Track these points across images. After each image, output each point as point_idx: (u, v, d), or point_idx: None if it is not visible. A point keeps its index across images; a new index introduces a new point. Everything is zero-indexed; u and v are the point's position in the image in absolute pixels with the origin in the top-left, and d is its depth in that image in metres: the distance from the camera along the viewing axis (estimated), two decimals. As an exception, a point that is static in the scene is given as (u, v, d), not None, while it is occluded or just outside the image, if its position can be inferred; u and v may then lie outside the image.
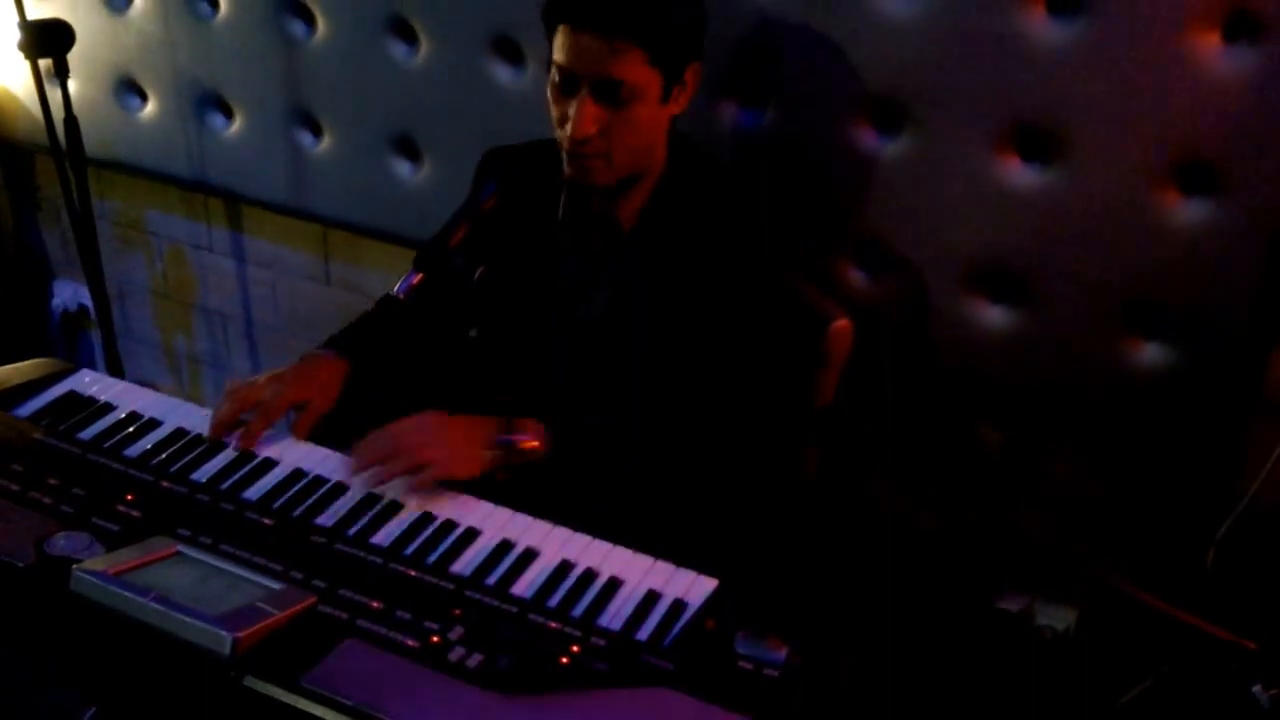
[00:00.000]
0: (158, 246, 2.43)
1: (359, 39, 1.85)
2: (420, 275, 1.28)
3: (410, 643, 0.94)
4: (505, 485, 1.25)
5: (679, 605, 1.05)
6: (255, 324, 2.38)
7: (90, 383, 1.33)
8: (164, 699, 0.91)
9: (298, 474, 1.21)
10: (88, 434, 1.23)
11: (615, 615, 1.04)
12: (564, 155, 1.31)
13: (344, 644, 0.93)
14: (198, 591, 0.95)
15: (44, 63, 1.83)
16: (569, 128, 1.25)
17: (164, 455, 1.21)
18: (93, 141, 1.97)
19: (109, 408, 1.29)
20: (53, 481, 1.11)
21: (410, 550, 1.10)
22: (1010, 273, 1.53)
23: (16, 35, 1.80)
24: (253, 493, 1.17)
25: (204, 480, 1.17)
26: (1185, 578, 1.46)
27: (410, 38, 1.82)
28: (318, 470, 1.22)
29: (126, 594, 0.91)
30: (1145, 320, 1.47)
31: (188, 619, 0.90)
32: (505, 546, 1.12)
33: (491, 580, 1.07)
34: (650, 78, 1.24)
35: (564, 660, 0.95)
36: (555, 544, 1.13)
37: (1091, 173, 1.42)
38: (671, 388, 1.37)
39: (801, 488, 1.50)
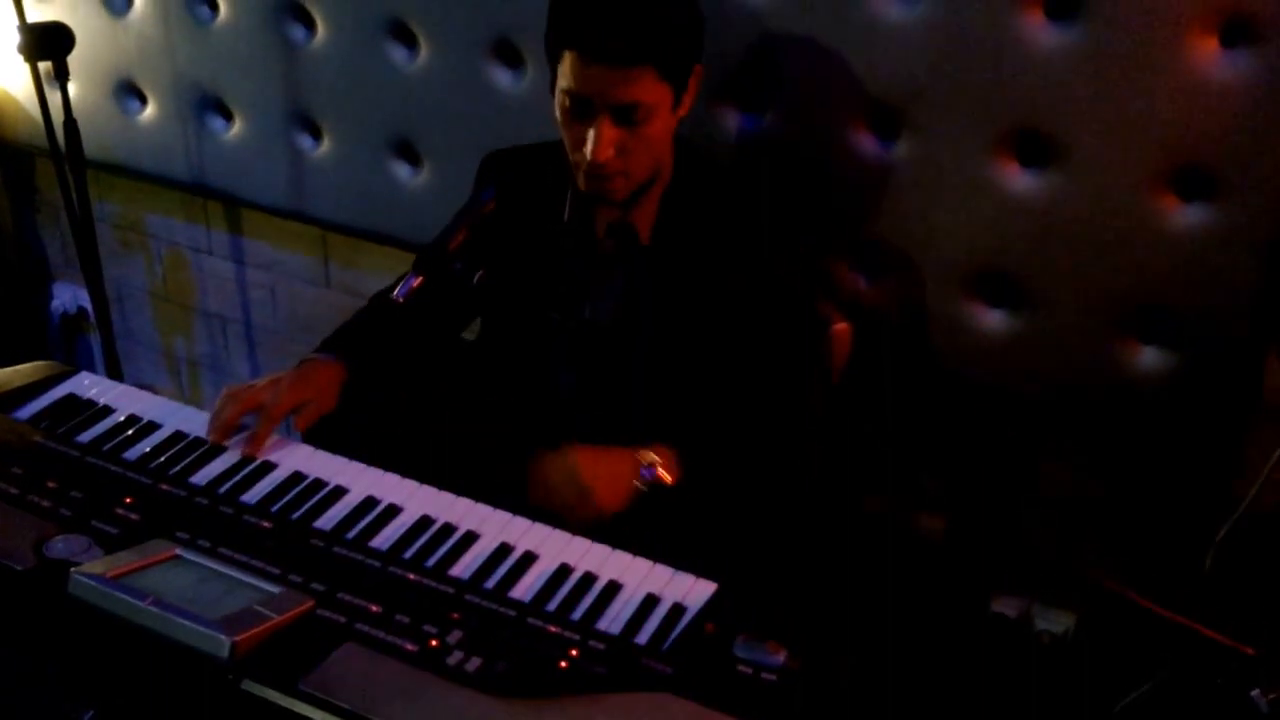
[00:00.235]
0: (157, 249, 2.43)
1: (359, 42, 1.85)
2: (420, 278, 1.28)
3: (409, 646, 0.94)
4: (506, 486, 1.25)
5: (678, 609, 1.05)
6: (254, 327, 2.38)
7: (89, 385, 1.33)
8: (162, 702, 0.91)
9: (297, 477, 1.21)
10: (87, 437, 1.23)
11: (614, 619, 1.04)
12: (579, 174, 1.32)
13: (342, 648, 0.93)
14: (196, 595, 0.95)
15: (44, 65, 1.83)
16: (588, 151, 1.26)
17: (163, 458, 1.21)
18: (92, 144, 1.98)
19: (108, 410, 1.29)
20: (52, 484, 1.11)
21: (409, 554, 1.10)
22: (1009, 276, 1.53)
23: (16, 38, 1.80)
24: (251, 496, 1.17)
25: (203, 483, 1.17)
26: (1184, 582, 1.46)
27: (410, 41, 1.83)
28: (317, 473, 1.22)
29: (125, 597, 0.91)
30: (1144, 324, 1.47)
31: (186, 622, 0.90)
32: (504, 550, 1.12)
33: (490, 584, 1.07)
34: (663, 93, 1.26)
35: (563, 664, 0.95)
36: (554, 547, 1.13)
37: (1090, 177, 1.42)
38: (696, 391, 1.37)
39: (803, 490, 1.50)
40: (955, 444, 1.71)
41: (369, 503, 1.18)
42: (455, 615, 0.99)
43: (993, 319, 1.57)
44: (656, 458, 1.28)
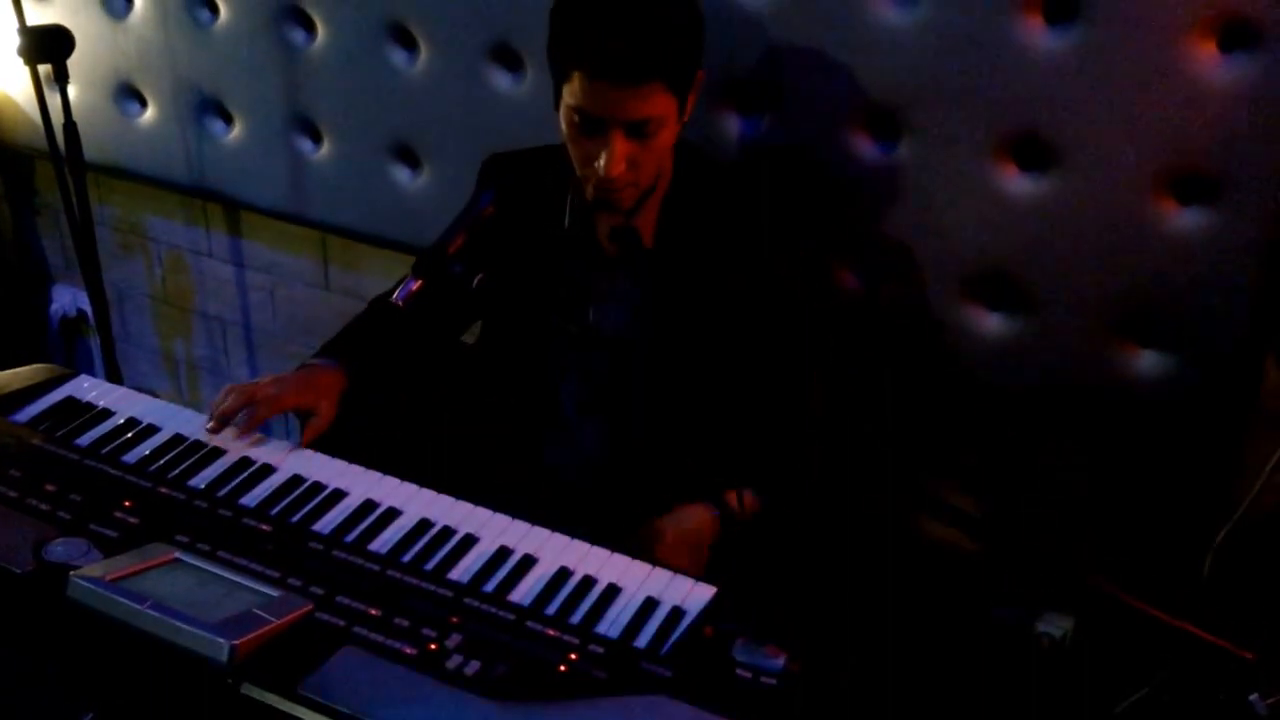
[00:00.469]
0: (157, 252, 2.43)
1: (359, 46, 1.86)
2: (420, 282, 1.28)
3: (408, 650, 0.94)
4: (505, 489, 1.26)
5: (677, 612, 1.05)
6: (254, 329, 2.38)
7: (89, 388, 1.33)
8: (162, 706, 0.91)
9: (296, 480, 1.21)
10: (86, 440, 1.23)
11: (613, 622, 1.04)
12: (587, 186, 1.32)
13: (341, 651, 0.93)
14: (195, 598, 0.95)
15: (44, 68, 1.83)
16: (601, 167, 1.26)
17: (162, 461, 1.21)
18: (92, 147, 1.98)
19: (107, 413, 1.29)
20: (51, 487, 1.11)
21: (408, 557, 1.10)
22: (1007, 280, 1.53)
23: (16, 41, 1.80)
24: (250, 499, 1.17)
25: (202, 486, 1.17)
26: (1182, 585, 1.46)
27: (410, 45, 1.83)
28: (316, 476, 1.22)
29: (124, 601, 0.91)
30: (1142, 328, 1.47)
31: (185, 626, 0.90)
32: (503, 553, 1.12)
33: (489, 587, 1.07)
34: (671, 104, 1.26)
35: (562, 668, 0.95)
36: (553, 550, 1.13)
37: (1088, 181, 1.42)
38: (700, 396, 1.36)
39: (803, 492, 1.50)
40: (953, 447, 1.71)
41: (368, 506, 1.18)
42: (454, 619, 0.99)
43: (992, 322, 1.57)
44: (733, 500, 1.29)
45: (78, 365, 2.59)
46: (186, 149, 2.13)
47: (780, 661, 0.96)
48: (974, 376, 1.61)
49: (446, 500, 1.20)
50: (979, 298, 1.57)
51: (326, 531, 1.13)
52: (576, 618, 1.04)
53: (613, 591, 1.08)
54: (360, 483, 1.22)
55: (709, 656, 0.98)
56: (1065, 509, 1.65)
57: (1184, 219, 1.40)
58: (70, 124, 1.86)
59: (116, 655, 0.92)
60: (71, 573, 0.95)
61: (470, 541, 1.14)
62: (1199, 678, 1.07)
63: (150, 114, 2.15)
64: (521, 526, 1.16)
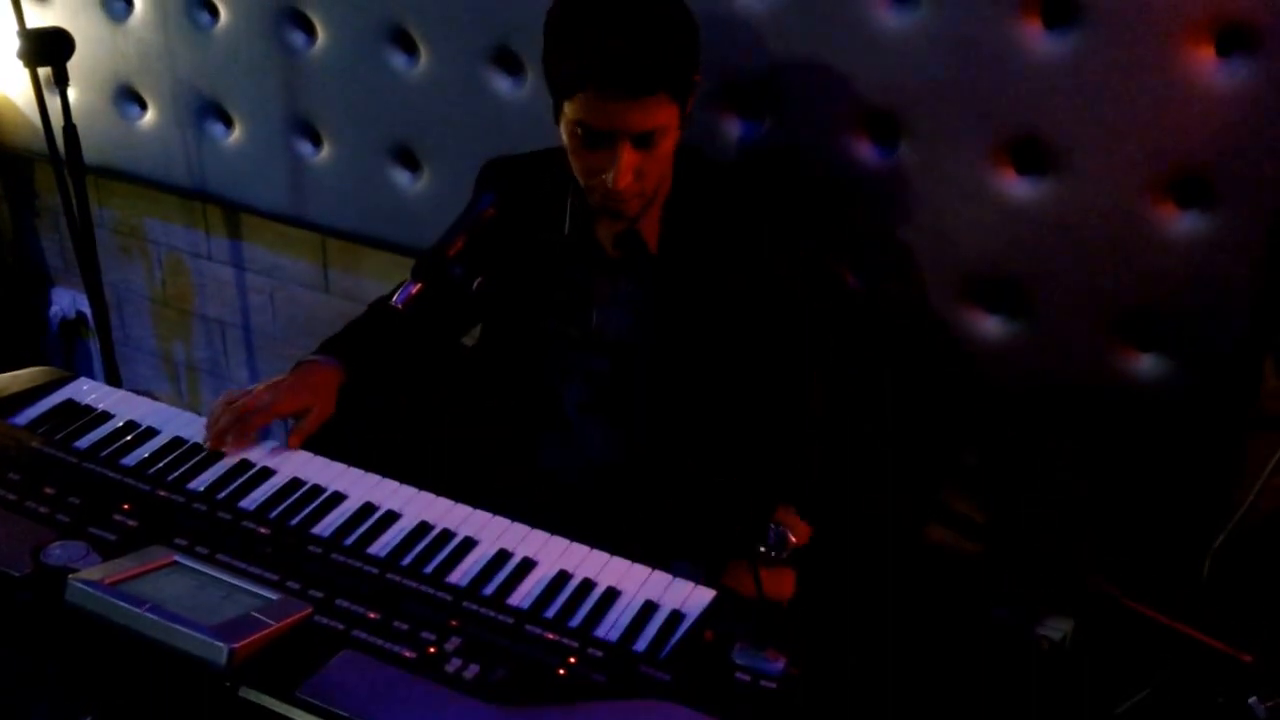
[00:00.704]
0: (156, 254, 2.44)
1: (359, 49, 1.86)
2: (419, 285, 1.28)
3: (407, 653, 0.94)
4: (505, 493, 1.25)
5: (676, 616, 1.05)
6: (254, 332, 2.38)
7: (88, 391, 1.33)
8: (161, 709, 0.91)
9: (295, 483, 1.21)
10: (85, 442, 1.23)
11: (613, 626, 1.04)
12: (593, 196, 1.32)
13: (340, 655, 0.93)
14: (194, 602, 0.95)
15: (43, 71, 1.84)
16: (609, 179, 1.26)
17: (161, 464, 1.21)
18: (92, 150, 1.98)
19: (106, 416, 1.29)
20: (49, 490, 1.11)
21: (407, 560, 1.10)
22: (1006, 283, 1.53)
23: (16, 44, 1.80)
24: (249, 502, 1.17)
25: (201, 489, 1.17)
26: (1182, 588, 1.46)
27: (410, 48, 1.83)
28: (315, 479, 1.22)
29: (122, 604, 0.91)
30: (1141, 331, 1.47)
31: (184, 629, 0.90)
32: (503, 556, 1.12)
33: (488, 590, 1.07)
34: (674, 112, 1.27)
35: (561, 671, 0.95)
36: (553, 554, 1.13)
37: (1087, 185, 1.42)
38: (706, 400, 1.36)
39: (803, 493, 1.50)
40: (952, 450, 1.71)
41: (367, 509, 1.18)
42: (453, 622, 0.99)
43: (991, 324, 1.57)
44: (784, 521, 1.28)
45: (77, 368, 2.59)
46: (186, 151, 2.13)
47: (780, 665, 0.96)
48: (973, 378, 1.61)
49: (445, 503, 1.20)
50: (978, 300, 1.57)
51: (325, 534, 1.13)
52: (576, 621, 1.04)
53: (612, 595, 1.08)
54: (359, 486, 1.21)
55: (708, 660, 0.98)
56: (1065, 511, 1.65)
57: (1182, 222, 1.40)
58: (70, 126, 1.86)
59: (115, 658, 0.91)
60: (70, 576, 0.95)
61: (469, 544, 1.14)
62: (1198, 680, 1.07)
63: (150, 116, 2.15)
64: (521, 529, 1.16)
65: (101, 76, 2.14)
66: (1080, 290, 1.48)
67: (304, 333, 2.27)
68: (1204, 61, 1.31)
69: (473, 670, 0.93)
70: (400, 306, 1.22)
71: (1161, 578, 1.52)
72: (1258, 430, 1.44)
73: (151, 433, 1.27)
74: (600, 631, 1.02)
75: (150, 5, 2.04)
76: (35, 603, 0.96)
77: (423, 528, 1.16)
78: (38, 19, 2.04)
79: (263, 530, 1.11)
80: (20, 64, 1.82)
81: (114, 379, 2.06)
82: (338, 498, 1.19)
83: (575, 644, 0.98)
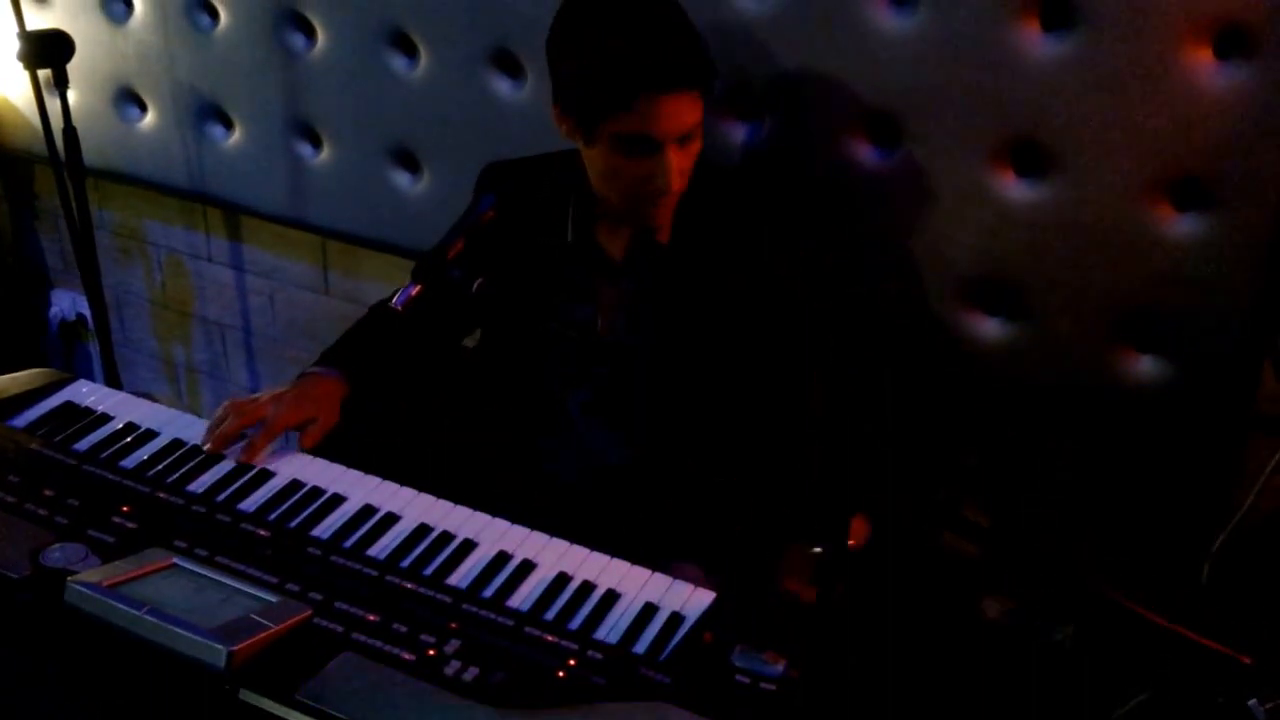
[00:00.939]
0: (156, 256, 2.44)
1: (359, 51, 1.86)
2: (419, 287, 1.28)
3: (406, 656, 0.94)
4: (507, 496, 1.25)
5: (676, 618, 1.05)
6: (254, 334, 2.38)
7: (87, 393, 1.33)
8: (160, 711, 0.91)
9: (294, 485, 1.21)
10: (84, 444, 1.23)
11: (612, 628, 1.04)
12: (638, 208, 1.32)
13: (340, 657, 0.93)
14: (193, 604, 0.95)
15: (43, 73, 1.84)
16: (661, 184, 1.27)
17: (160, 466, 1.21)
18: (92, 152, 1.98)
19: (106, 418, 1.29)
20: (49, 492, 1.11)
21: (407, 562, 1.10)
22: (1005, 285, 1.53)
23: (16, 45, 1.80)
24: (249, 504, 1.17)
25: (200, 491, 1.17)
26: (1181, 590, 1.46)
27: (410, 50, 1.83)
28: (314, 481, 1.22)
29: (121, 607, 0.91)
30: (1140, 333, 1.48)
31: (183, 632, 0.89)
32: (502, 558, 1.12)
33: (488, 593, 1.07)
34: (702, 108, 1.27)
35: (560, 674, 0.95)
36: (552, 556, 1.13)
37: (1086, 187, 1.42)
38: (722, 399, 1.36)
39: (803, 494, 1.50)
40: (951, 452, 1.71)
41: (366, 511, 1.18)
42: (453, 624, 0.99)
43: (989, 327, 1.58)
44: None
45: (77, 370, 2.59)
46: (186, 154, 2.13)
47: (779, 667, 0.96)
48: (973, 379, 1.61)
49: (445, 505, 1.20)
50: (977, 302, 1.57)
51: (325, 537, 1.13)
52: (575, 623, 1.04)
53: (611, 597, 1.08)
54: (359, 488, 1.21)
55: (708, 662, 0.98)
56: (1064, 513, 1.65)
57: (1181, 224, 1.40)
58: (70, 129, 1.86)
59: (114, 661, 0.91)
60: (69, 578, 0.95)
61: (469, 546, 1.14)
62: (1198, 682, 1.07)
63: (150, 119, 2.15)
64: (520, 531, 1.16)
65: (101, 78, 2.14)
66: (1079, 292, 1.48)
67: (304, 335, 2.27)
68: (1202, 64, 1.31)
69: (472, 673, 0.93)
70: (400, 308, 1.23)
71: (1161, 579, 1.52)
72: (1256, 432, 1.44)
73: (151, 435, 1.27)
74: (600, 634, 1.02)
75: (150, 7, 2.04)
76: (34, 605, 0.96)
77: (422, 530, 1.15)
78: (37, 21, 2.04)
79: (262, 532, 1.11)
80: (20, 66, 1.82)
81: (114, 381, 2.06)
82: (337, 500, 1.19)
83: (575, 646, 0.98)
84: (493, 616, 1.02)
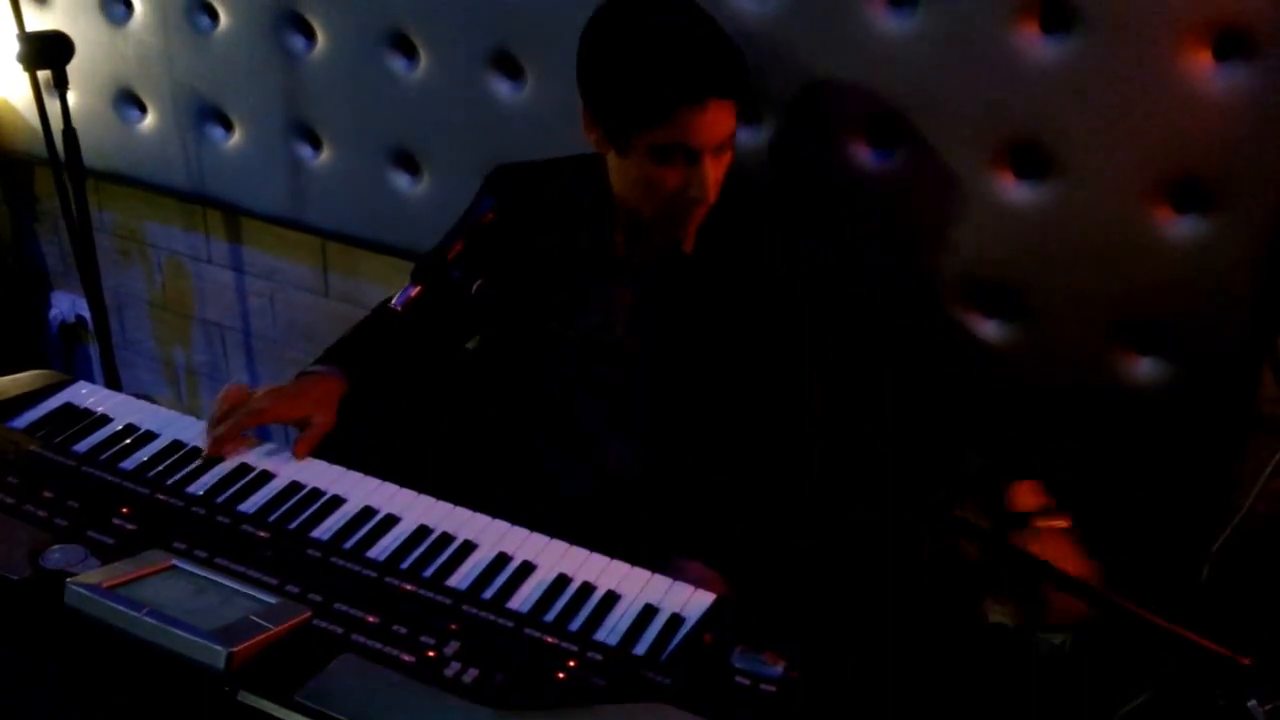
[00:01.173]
0: (156, 258, 2.44)
1: (359, 53, 1.86)
2: (418, 288, 1.28)
3: (406, 657, 0.94)
4: (507, 496, 1.25)
5: (676, 619, 1.05)
6: (253, 336, 2.39)
7: (87, 394, 1.33)
8: (159, 713, 0.91)
9: (294, 487, 1.21)
10: (84, 446, 1.23)
11: (612, 629, 1.04)
12: (676, 217, 1.31)
13: (339, 659, 0.93)
14: (192, 605, 0.95)
15: (43, 74, 1.84)
16: (696, 194, 1.26)
17: (160, 468, 1.21)
18: (91, 153, 1.98)
19: (105, 420, 1.29)
20: (48, 494, 1.11)
21: (406, 564, 1.10)
22: (1005, 287, 1.53)
23: (16, 47, 1.80)
24: (249, 505, 1.17)
25: (200, 493, 1.17)
26: (1181, 591, 1.46)
27: (410, 52, 1.83)
28: (314, 483, 1.21)
29: (120, 608, 0.91)
30: (1139, 335, 1.48)
31: (182, 633, 0.89)
32: (502, 560, 1.12)
33: (488, 594, 1.07)
34: (736, 119, 1.27)
35: (560, 675, 0.95)
36: (552, 557, 1.13)
37: (1085, 189, 1.42)
38: (735, 407, 1.36)
39: (802, 495, 1.50)
40: (950, 453, 1.71)
41: (366, 512, 1.18)
42: (453, 626, 0.99)
43: (988, 329, 1.58)
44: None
45: (77, 371, 2.59)
46: (186, 155, 2.13)
47: (779, 669, 0.96)
48: (973, 380, 1.61)
49: (445, 506, 1.20)
50: (976, 304, 1.57)
51: (325, 538, 1.13)
52: (575, 625, 1.04)
53: (611, 598, 1.08)
54: (358, 489, 1.21)
55: (708, 663, 0.98)
56: (1061, 515, 1.65)
57: (1180, 226, 1.40)
58: (69, 130, 1.86)
59: (114, 662, 0.91)
60: (68, 580, 0.95)
61: (469, 548, 1.14)
62: (1198, 683, 1.07)
63: (150, 120, 2.15)
64: (520, 533, 1.16)
65: (101, 80, 2.14)
66: (1079, 293, 1.48)
67: (304, 336, 2.27)
68: (1202, 66, 1.32)
69: (472, 674, 0.93)
70: (399, 309, 1.23)
71: (1161, 581, 1.52)
72: (1256, 434, 1.44)
73: (150, 436, 1.27)
74: (600, 635, 1.02)
75: (150, 9, 2.04)
76: (34, 607, 0.96)
77: (422, 531, 1.15)
78: (37, 22, 2.04)
79: (262, 534, 1.11)
80: (20, 67, 1.82)
81: (113, 383, 2.06)
82: (337, 501, 1.19)
83: (575, 648, 0.98)
84: (493, 618, 1.02)
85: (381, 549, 1.12)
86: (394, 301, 1.24)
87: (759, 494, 1.37)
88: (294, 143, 2.01)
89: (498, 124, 1.77)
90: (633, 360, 1.41)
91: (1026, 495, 1.28)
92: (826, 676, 1.01)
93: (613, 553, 1.13)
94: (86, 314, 2.31)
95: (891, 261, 1.59)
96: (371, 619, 0.98)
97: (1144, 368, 1.49)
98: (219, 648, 0.88)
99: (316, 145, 2.00)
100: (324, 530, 1.14)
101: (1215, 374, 1.44)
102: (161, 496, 1.14)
